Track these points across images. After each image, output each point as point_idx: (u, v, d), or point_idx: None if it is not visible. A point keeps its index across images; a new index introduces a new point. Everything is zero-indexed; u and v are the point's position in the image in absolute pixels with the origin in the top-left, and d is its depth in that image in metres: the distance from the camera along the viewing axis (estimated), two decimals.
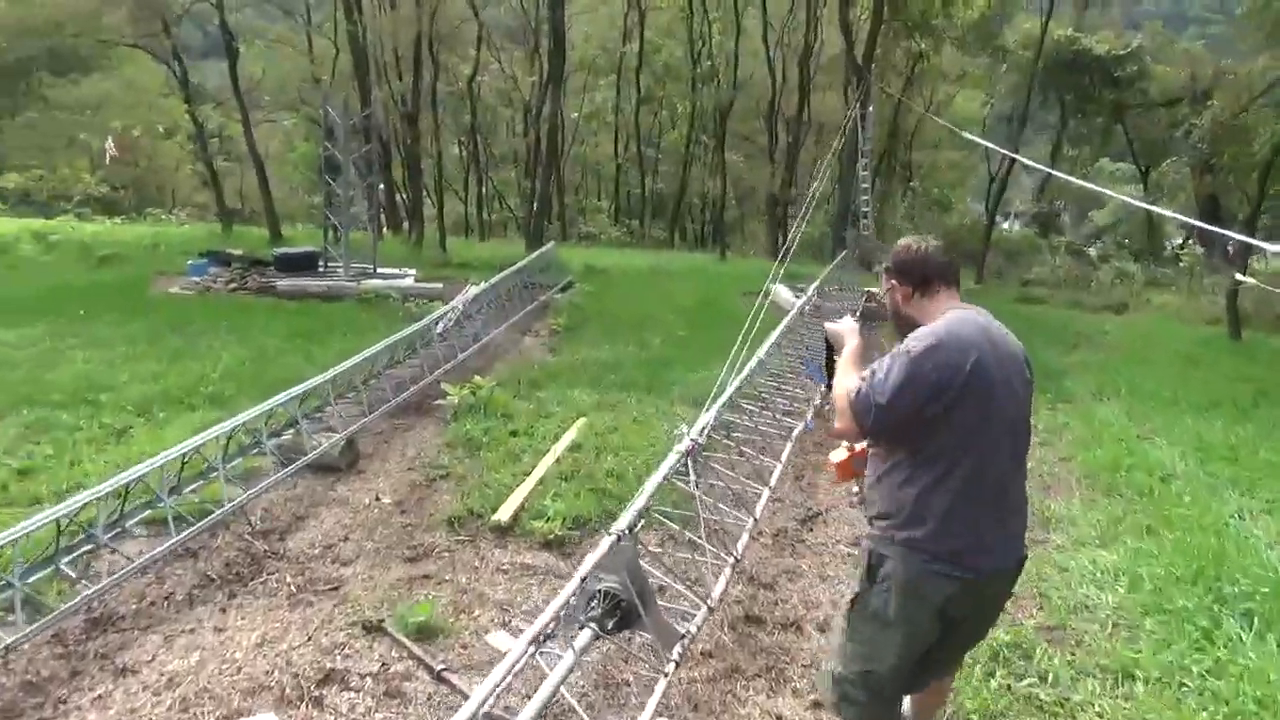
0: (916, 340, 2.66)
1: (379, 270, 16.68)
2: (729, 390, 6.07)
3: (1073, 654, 4.36)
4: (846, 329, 3.06)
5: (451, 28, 24.86)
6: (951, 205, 33.64)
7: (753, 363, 7.13)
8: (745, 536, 4.82)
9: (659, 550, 5.05)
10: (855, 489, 3.22)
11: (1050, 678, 4.12)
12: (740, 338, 6.61)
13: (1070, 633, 4.59)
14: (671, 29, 37.25)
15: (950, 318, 2.74)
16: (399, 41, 21.95)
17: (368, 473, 6.87)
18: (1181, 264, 21.57)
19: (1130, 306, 19.75)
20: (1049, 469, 7.44)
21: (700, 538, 4.46)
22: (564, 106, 31.00)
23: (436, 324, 10.32)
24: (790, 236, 12.86)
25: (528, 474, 6.62)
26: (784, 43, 31.83)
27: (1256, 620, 4.48)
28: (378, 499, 6.30)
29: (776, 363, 8.18)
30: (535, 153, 22.53)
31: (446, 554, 5.45)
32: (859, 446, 3.07)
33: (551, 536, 5.62)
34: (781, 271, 9.86)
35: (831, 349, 3.20)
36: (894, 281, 2.90)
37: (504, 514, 5.88)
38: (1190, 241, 29.90)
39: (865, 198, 24.76)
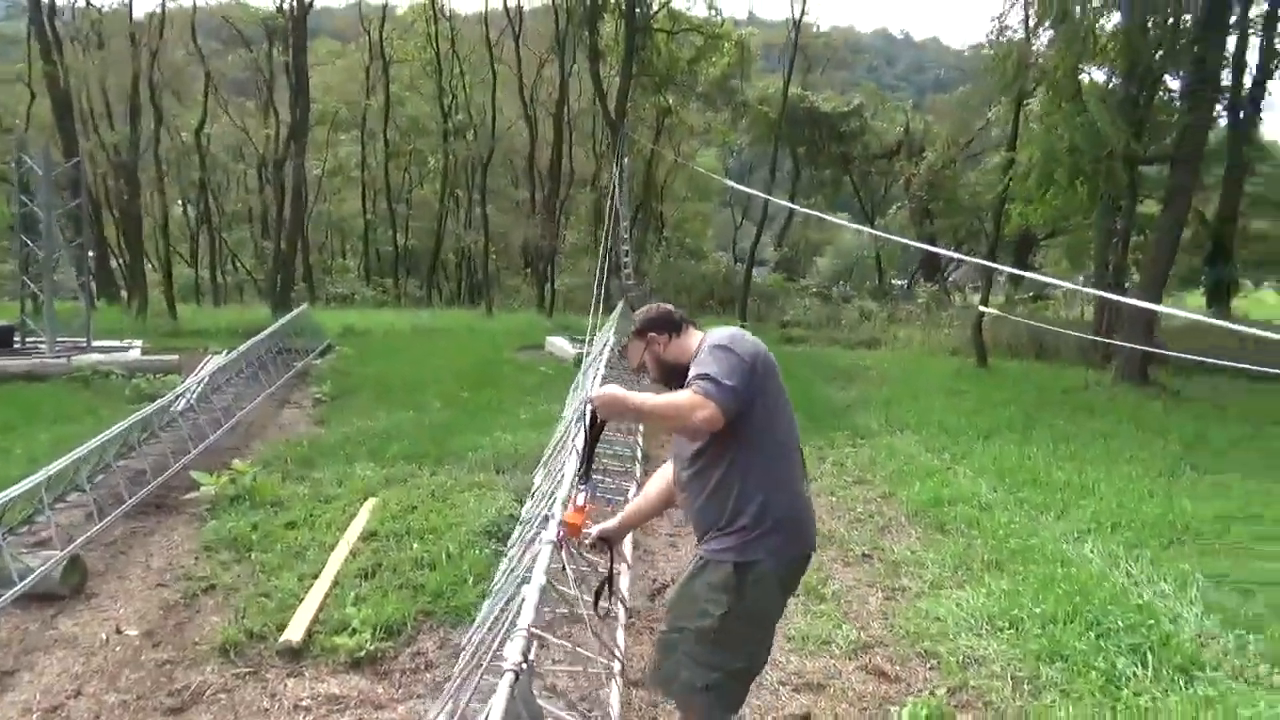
0: (711, 342, 2.82)
1: (94, 344, 14.36)
2: (568, 463, 5.25)
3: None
4: (612, 388, 2.86)
5: (174, 72, 22.48)
6: (705, 254, 34.85)
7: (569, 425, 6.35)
8: (620, 631, 4.04)
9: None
10: (584, 539, 3.27)
11: None
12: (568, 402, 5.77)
13: (974, 691, 4.19)
14: (415, 82, 36.29)
15: (712, 330, 2.94)
16: (109, 86, 19.44)
17: (101, 596, 5.39)
18: (920, 300, 23.37)
19: (881, 342, 20.99)
20: (876, 509, 7.26)
21: (582, 646, 3.60)
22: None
23: (176, 401, 8.76)
24: (605, 288, 12.25)
25: (317, 576, 5.46)
26: (535, 98, 31.80)
27: (1150, 656, 4.30)
28: (119, 631, 4.89)
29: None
30: (280, 209, 20.60)
31: (223, 695, 4.22)
32: (581, 502, 3.11)
33: (360, 654, 4.54)
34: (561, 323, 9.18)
35: (595, 421, 2.99)
36: (651, 335, 3.07)
37: (294, 632, 4.71)
38: (918, 279, 32.78)
39: (626, 248, 24.95)
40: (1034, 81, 16.01)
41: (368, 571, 5.58)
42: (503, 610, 3.33)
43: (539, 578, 2.99)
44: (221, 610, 5.12)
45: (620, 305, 16.80)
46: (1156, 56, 14.88)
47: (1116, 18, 15.37)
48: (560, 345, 16.07)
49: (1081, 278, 20.87)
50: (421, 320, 21.49)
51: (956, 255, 15.95)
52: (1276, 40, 16.93)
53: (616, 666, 3.66)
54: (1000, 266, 10.81)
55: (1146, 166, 15.77)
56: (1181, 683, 4.14)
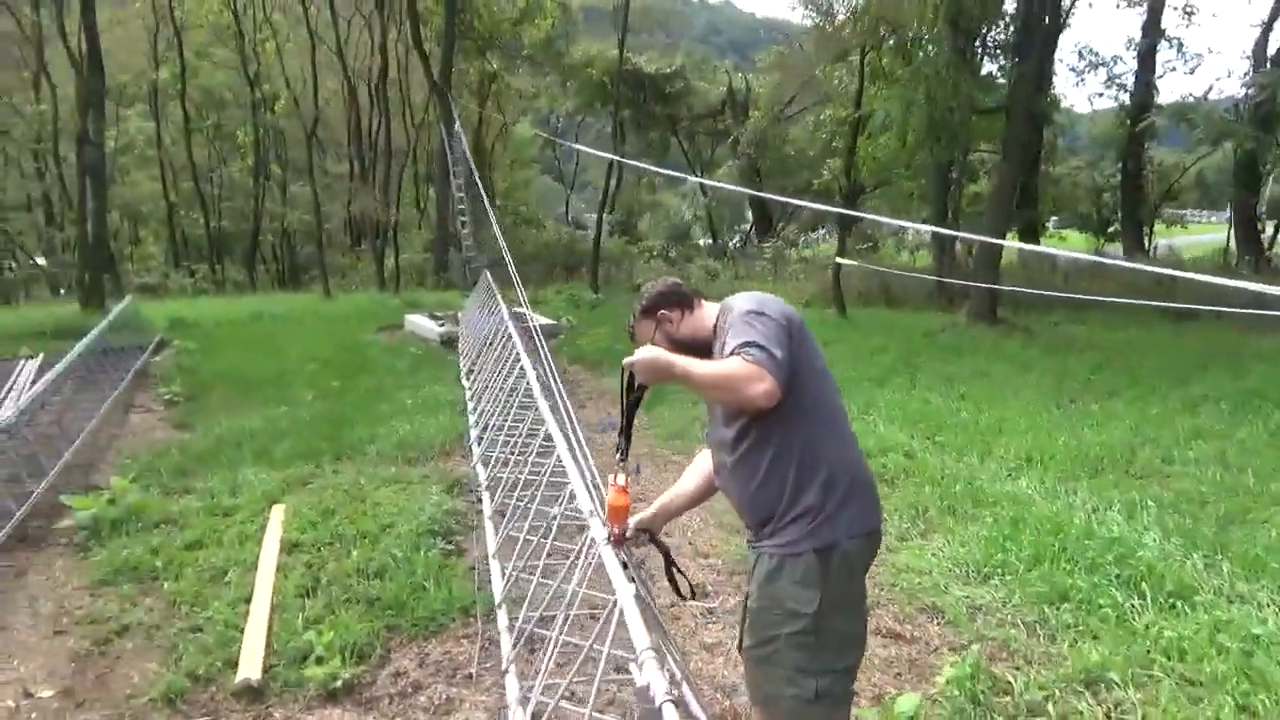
0: (741, 310, 2.53)
1: None
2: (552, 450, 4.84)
3: (1027, 668, 3.92)
4: (654, 350, 2.55)
5: None
6: (542, 223, 34.26)
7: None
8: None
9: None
10: (618, 529, 2.96)
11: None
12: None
13: (993, 643, 4.17)
14: (208, 49, 33.43)
15: (732, 298, 2.66)
16: None
17: None
18: (766, 256, 23.91)
19: None
20: None
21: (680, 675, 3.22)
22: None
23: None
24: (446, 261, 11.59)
25: (249, 600, 4.81)
26: (355, 67, 30.01)
27: (1145, 587, 4.41)
28: (29, 695, 4.10)
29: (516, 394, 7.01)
30: (83, 194, 18.42)
31: None
32: (623, 482, 2.83)
33: (336, 684, 4.00)
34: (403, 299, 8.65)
35: (633, 383, 2.65)
36: (662, 313, 2.78)
37: (250, 668, 4.10)
38: (751, 236, 33.60)
39: (463, 219, 24.09)
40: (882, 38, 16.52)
41: (308, 589, 4.97)
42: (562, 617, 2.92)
43: (624, 590, 2.62)
44: (147, 654, 4.40)
45: (482, 278, 16.18)
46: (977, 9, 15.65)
47: None
48: (423, 324, 15.29)
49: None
50: (256, 307, 19.92)
51: (827, 208, 16.30)
52: None
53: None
54: (874, 215, 11.14)
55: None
56: (1185, 609, 4.27)
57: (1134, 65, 22.04)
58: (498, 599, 4.02)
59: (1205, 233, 30.65)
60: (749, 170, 32.29)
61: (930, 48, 15.01)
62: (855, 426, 7.60)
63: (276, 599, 4.82)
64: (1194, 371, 10.40)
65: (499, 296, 11.28)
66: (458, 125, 24.69)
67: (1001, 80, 19.36)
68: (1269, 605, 4.34)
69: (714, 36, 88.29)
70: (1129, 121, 22.05)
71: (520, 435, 5.40)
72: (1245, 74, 20.35)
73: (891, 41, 18.76)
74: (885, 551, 5.38)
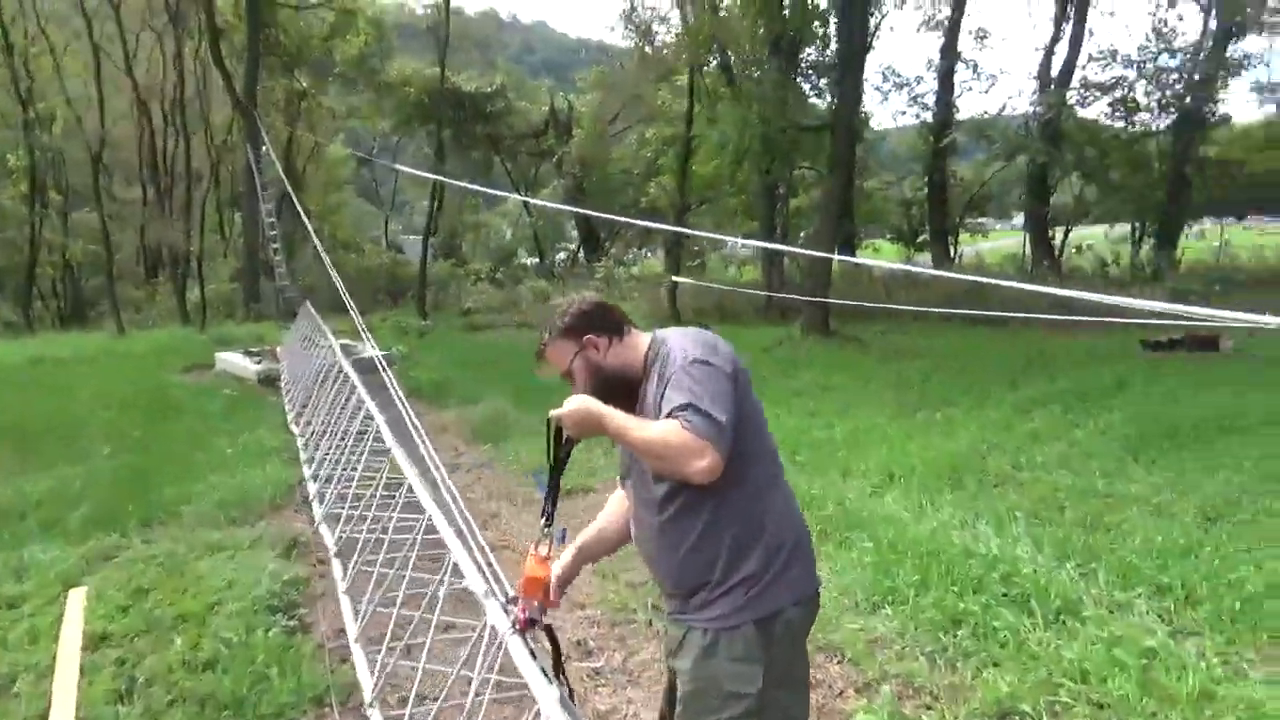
0: (684, 354, 2.20)
1: None
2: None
3: (937, 705, 3.74)
4: (585, 401, 2.24)
5: None
6: (360, 248, 32.76)
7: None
8: None
9: None
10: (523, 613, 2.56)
11: None
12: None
13: (898, 680, 3.97)
14: None
15: (667, 332, 2.37)
16: None
17: None
18: (598, 275, 23.76)
19: None
20: None
21: None
22: None
23: None
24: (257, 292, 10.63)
25: (45, 717, 3.99)
26: (146, 84, 27.66)
27: (1034, 604, 4.37)
28: None
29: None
30: None
31: None
32: (545, 552, 2.46)
33: None
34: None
35: (561, 436, 2.32)
36: (589, 338, 2.37)
37: None
38: (579, 253, 33.44)
39: (275, 246, 22.61)
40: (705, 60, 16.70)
41: (122, 693, 4.17)
42: None
43: (546, 696, 2.17)
44: None
45: (303, 309, 15.09)
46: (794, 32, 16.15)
47: None
48: (236, 362, 14.04)
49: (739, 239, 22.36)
50: (36, 350, 17.79)
51: (663, 226, 16.24)
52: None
53: None
54: (710, 233, 11.17)
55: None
56: (1076, 624, 4.24)
57: (935, 85, 23.46)
58: (367, 696, 3.45)
59: (1000, 238, 33.00)
60: (574, 189, 32.14)
61: (754, 70, 15.31)
62: None
63: (82, 712, 4.03)
64: (1018, 375, 10.92)
65: (326, 329, 10.43)
66: (265, 146, 23.18)
67: (815, 100, 20.15)
68: (1148, 614, 4.38)
69: (528, 56, 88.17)
70: (932, 138, 23.41)
71: (377, 488, 4.80)
72: (1033, 93, 22.05)
73: (714, 62, 19.08)
74: None
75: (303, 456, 7.57)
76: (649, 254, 37.32)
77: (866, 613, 4.67)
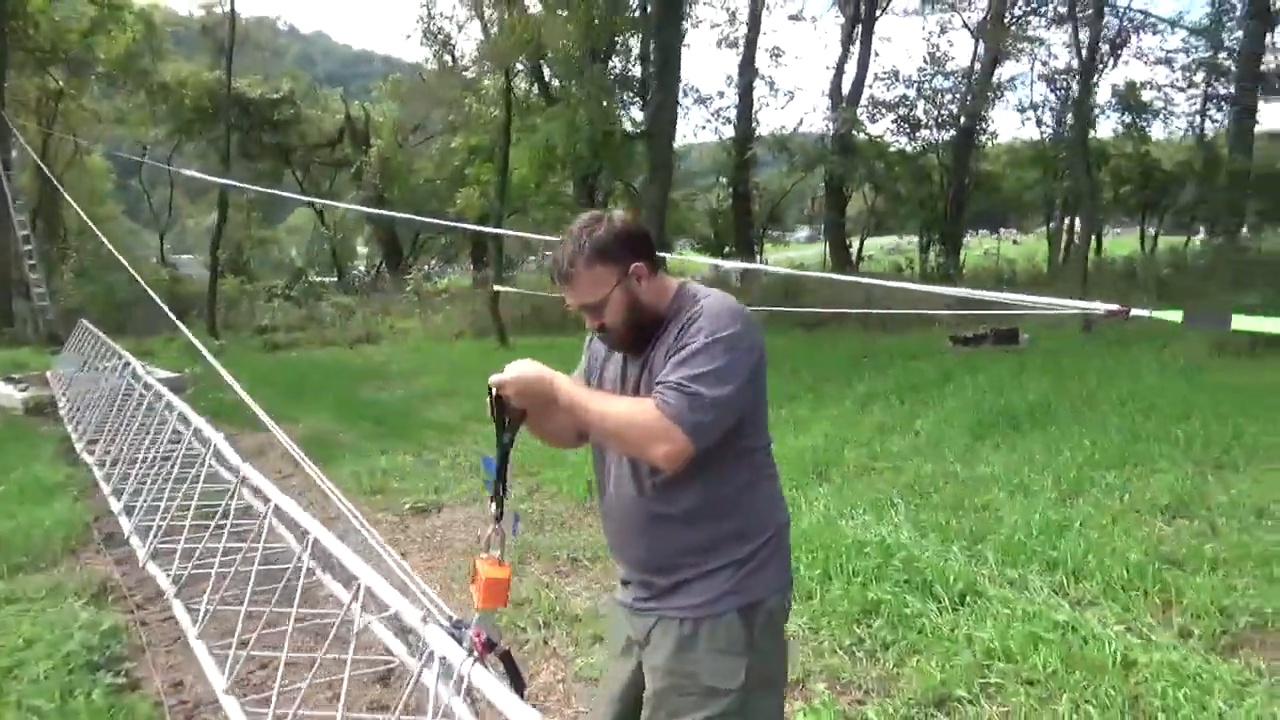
0: (715, 322, 1.94)
1: None
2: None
3: (870, 699, 3.57)
4: (529, 367, 2.05)
5: None
6: (134, 266, 29.70)
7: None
8: None
9: None
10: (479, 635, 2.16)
11: None
12: None
13: (826, 675, 3.79)
14: None
15: (699, 288, 2.11)
16: None
17: None
18: (409, 288, 22.76)
19: (380, 335, 19.95)
20: (548, 505, 6.57)
21: None
22: None
23: None
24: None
25: None
26: None
27: (940, 589, 4.33)
28: None
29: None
30: None
31: None
32: (498, 553, 2.12)
33: None
34: None
35: (503, 406, 2.06)
36: (636, 266, 2.03)
37: None
38: (382, 267, 31.97)
39: (32, 263, 20.12)
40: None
41: None
42: None
43: None
44: None
45: (78, 328, 13.38)
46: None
47: None
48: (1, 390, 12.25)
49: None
50: None
51: (490, 230, 15.61)
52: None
53: None
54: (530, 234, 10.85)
55: None
56: (983, 605, 4.21)
57: (735, 100, 24.24)
58: None
59: (796, 249, 34.60)
60: (375, 200, 30.69)
61: (571, 80, 15.17)
62: (579, 456, 7.03)
63: None
64: (850, 373, 11.27)
65: (118, 348, 9.22)
66: (15, 152, 20.63)
67: (620, 113, 20.23)
68: (1042, 589, 4.44)
69: (309, 67, 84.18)
70: (735, 151, 24.17)
71: (227, 514, 4.10)
72: (827, 110, 23.24)
73: (522, 70, 18.79)
74: None
75: (106, 489, 6.52)
76: (454, 269, 36.40)
77: None
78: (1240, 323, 6.10)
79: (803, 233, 38.29)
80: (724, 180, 26.13)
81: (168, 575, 4.28)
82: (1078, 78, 18.73)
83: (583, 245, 2.00)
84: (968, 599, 4.33)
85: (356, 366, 15.28)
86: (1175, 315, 6.30)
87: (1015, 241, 36.71)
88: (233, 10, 21.54)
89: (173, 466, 4.98)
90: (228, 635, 3.52)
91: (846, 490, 6.29)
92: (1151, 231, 27.61)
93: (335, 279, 34.88)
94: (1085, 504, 5.52)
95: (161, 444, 5.57)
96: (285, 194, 19.04)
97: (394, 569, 2.76)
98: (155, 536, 4.53)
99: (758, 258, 25.38)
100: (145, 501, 5.13)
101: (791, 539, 4.82)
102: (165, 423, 5.72)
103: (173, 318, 7.64)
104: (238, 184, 16.64)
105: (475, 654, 2.14)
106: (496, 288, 14.91)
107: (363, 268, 38.89)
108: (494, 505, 2.11)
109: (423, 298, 21.83)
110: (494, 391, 2.03)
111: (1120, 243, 30.21)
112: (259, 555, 3.46)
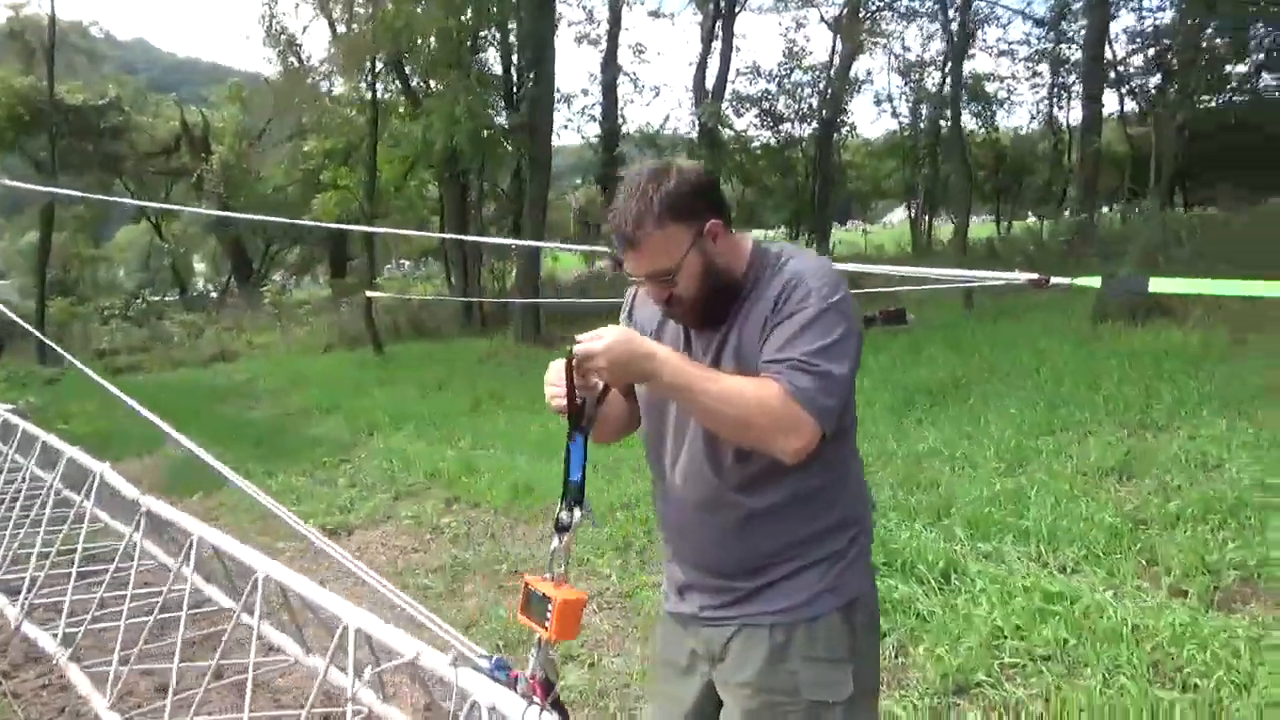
0: (820, 279, 1.67)
1: None
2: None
3: (886, 692, 3.32)
4: (628, 336, 1.65)
5: None
6: None
7: None
8: None
9: None
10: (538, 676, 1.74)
11: None
12: None
13: None
14: None
15: (783, 245, 1.87)
16: None
17: None
18: (266, 300, 21.30)
19: (238, 352, 18.64)
20: (462, 517, 6.06)
21: None
22: None
23: None
24: None
25: None
26: None
27: (921, 569, 4.12)
28: None
29: None
30: None
31: None
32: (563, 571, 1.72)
33: None
34: None
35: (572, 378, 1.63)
36: (712, 223, 1.70)
37: None
38: (231, 281, 30.01)
39: None
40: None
41: None
42: None
43: None
44: None
45: None
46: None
47: None
48: None
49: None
50: None
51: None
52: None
53: None
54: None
55: None
56: (970, 582, 4.01)
57: (600, 98, 23.85)
58: None
59: None
60: (219, 209, 28.83)
61: (440, 79, 14.52)
62: (494, 462, 6.61)
63: None
64: None
65: None
66: None
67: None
68: (1021, 560, 4.30)
69: (131, 76, 78.92)
70: (602, 148, 23.89)
71: (127, 559, 3.42)
72: (692, 105, 23.24)
73: (380, 68, 17.93)
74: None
75: None
76: (310, 281, 34.70)
77: None
78: (1158, 285, 6.17)
79: None
80: (592, 179, 25.76)
81: (54, 637, 3.52)
82: (941, 67, 19.40)
83: (652, 202, 1.65)
84: (952, 578, 4.14)
85: (218, 386, 14.15)
86: (1094, 281, 6.36)
87: (865, 231, 38.03)
88: (53, 8, 19.53)
89: (42, 507, 4.19)
90: (143, 702, 2.88)
91: None
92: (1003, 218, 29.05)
93: (177, 296, 32.62)
94: (1035, 472, 5.46)
95: (21, 481, 4.73)
96: (130, 202, 17.59)
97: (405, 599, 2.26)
98: (32, 592, 3.74)
99: None
100: (6, 551, 4.30)
101: None
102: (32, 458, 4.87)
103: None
104: (73, 193, 15.06)
105: (534, 699, 1.69)
106: (370, 293, 14.05)
107: (203, 284, 36.54)
108: (564, 510, 1.69)
109: (282, 310, 20.52)
110: (574, 363, 1.61)
111: (977, 228, 31.78)
112: (185, 602, 2.83)
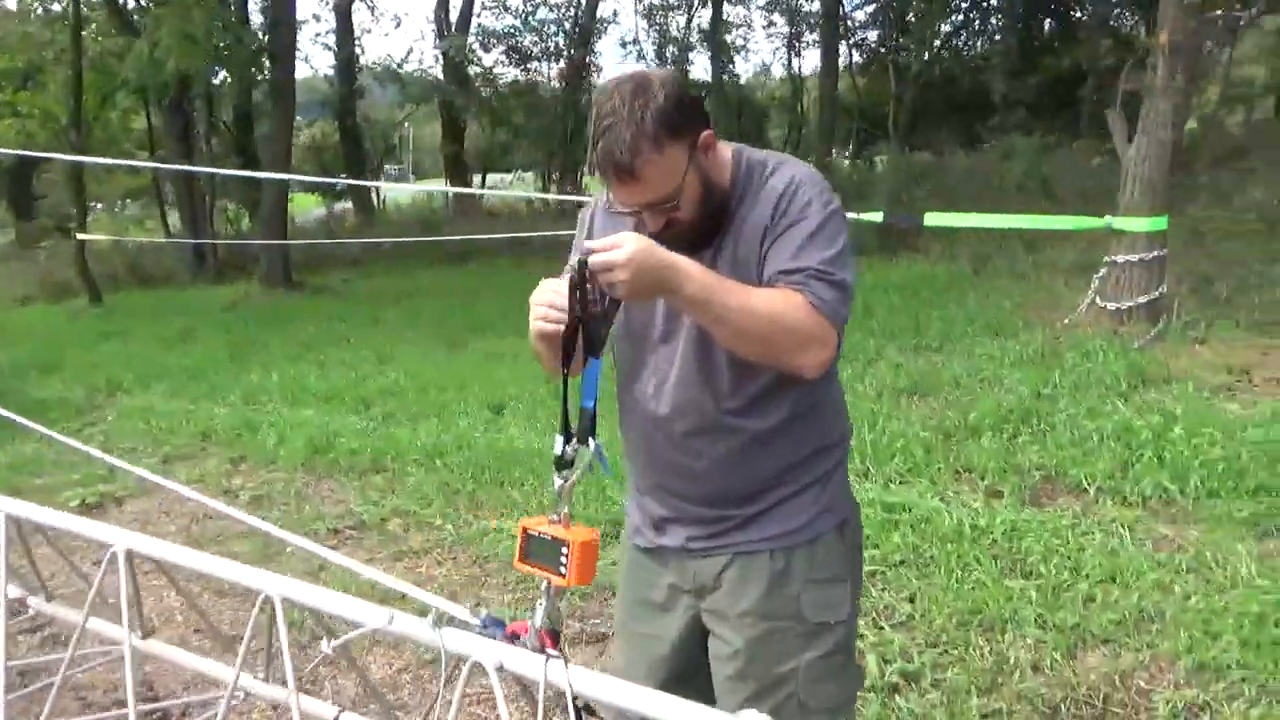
0: (821, 187, 1.60)
1: None
2: None
3: (894, 633, 3.33)
4: (645, 245, 1.41)
5: None
6: None
7: None
8: None
9: None
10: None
11: None
12: None
13: None
14: None
15: (766, 152, 1.70)
16: None
17: None
18: None
19: None
20: (286, 485, 5.51)
21: None
22: None
23: None
24: None
25: None
26: None
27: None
28: None
29: None
30: None
31: None
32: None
33: None
34: None
35: (585, 286, 1.45)
36: (706, 135, 1.55)
37: None
38: None
39: None
40: None
41: None
42: None
43: None
44: None
45: None
46: None
47: None
48: None
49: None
50: None
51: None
52: None
53: None
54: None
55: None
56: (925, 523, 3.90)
57: (334, 24, 22.09)
58: None
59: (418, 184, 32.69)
60: None
61: None
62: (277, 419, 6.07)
63: None
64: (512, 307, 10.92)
65: None
66: None
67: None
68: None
69: None
70: (339, 80, 22.34)
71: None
72: (436, 38, 22.17)
73: None
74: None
75: None
76: None
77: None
78: (932, 219, 6.67)
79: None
80: (330, 114, 23.96)
81: None
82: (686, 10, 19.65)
83: (644, 123, 1.44)
84: (898, 517, 3.94)
85: None
86: (877, 216, 6.75)
87: None
88: None
89: None
90: None
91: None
92: None
93: None
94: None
95: None
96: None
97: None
98: None
99: (376, 197, 23.77)
100: None
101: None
102: None
103: None
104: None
105: (545, 649, 1.49)
106: (81, 236, 12.19)
107: None
108: (563, 444, 1.48)
109: None
110: (587, 274, 1.39)
111: None
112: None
